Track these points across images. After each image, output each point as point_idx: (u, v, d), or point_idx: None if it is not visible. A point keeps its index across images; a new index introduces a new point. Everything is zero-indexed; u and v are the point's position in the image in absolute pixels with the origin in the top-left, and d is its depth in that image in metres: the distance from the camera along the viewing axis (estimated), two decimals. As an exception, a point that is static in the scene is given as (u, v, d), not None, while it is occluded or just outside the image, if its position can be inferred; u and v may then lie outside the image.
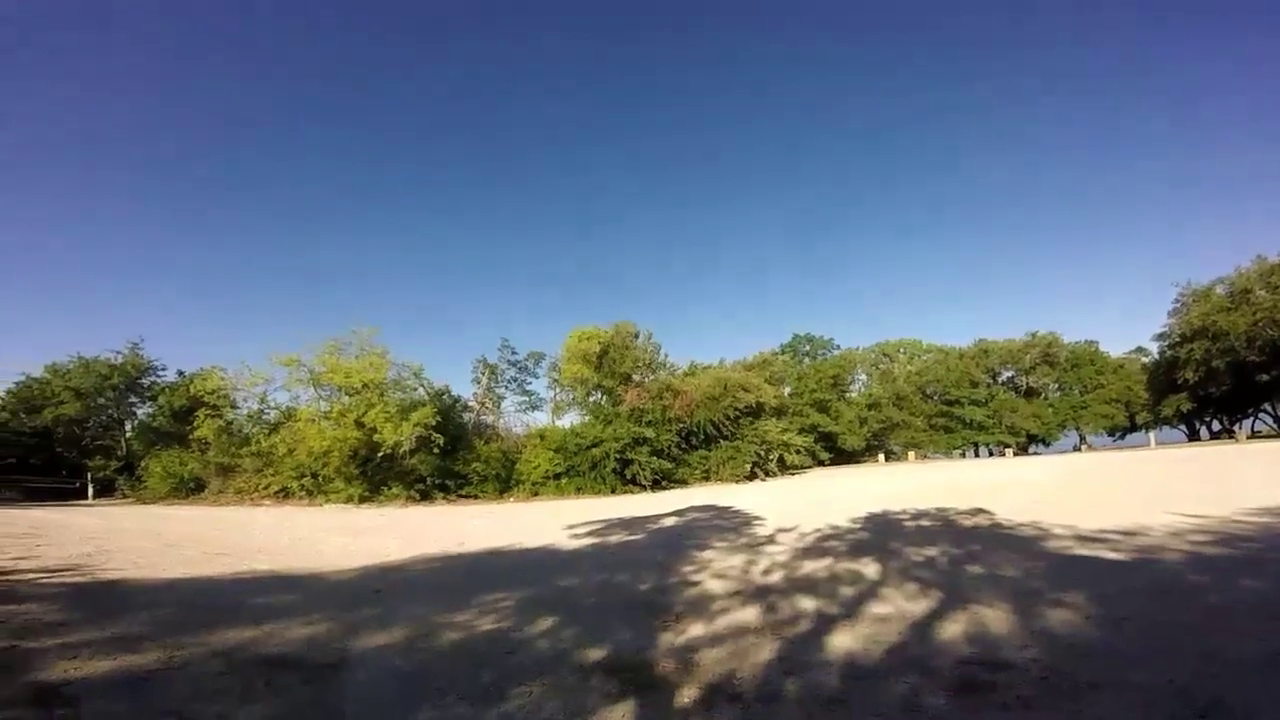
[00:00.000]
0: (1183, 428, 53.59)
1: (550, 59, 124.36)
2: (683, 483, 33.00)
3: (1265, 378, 40.45)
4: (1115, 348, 59.73)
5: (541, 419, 40.25)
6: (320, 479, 30.58)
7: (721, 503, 19.91)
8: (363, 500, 28.60)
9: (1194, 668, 4.09)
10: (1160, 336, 49.43)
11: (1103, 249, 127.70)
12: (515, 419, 39.84)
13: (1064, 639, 4.90)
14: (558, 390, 41.44)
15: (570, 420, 38.68)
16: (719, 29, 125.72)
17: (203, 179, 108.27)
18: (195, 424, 32.80)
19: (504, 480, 31.29)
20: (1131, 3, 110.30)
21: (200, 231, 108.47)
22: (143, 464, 36.94)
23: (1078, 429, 56.30)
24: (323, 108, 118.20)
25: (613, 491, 30.09)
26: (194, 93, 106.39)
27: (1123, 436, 57.44)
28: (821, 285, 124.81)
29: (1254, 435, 46.40)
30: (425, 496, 29.27)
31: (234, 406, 35.01)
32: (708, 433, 34.99)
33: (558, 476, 31.49)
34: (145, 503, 33.09)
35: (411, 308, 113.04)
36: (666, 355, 41.29)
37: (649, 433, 32.19)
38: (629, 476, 31.04)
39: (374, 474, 29.52)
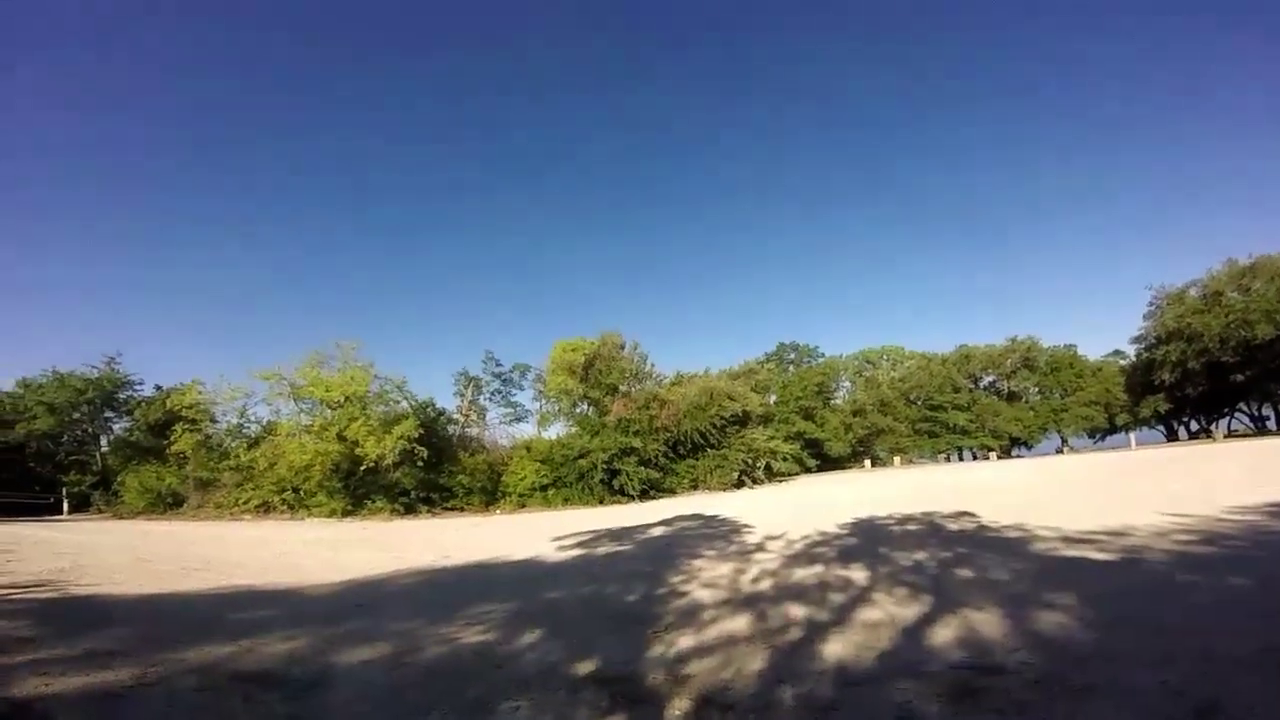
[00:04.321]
0: (1161, 428, 54.67)
1: (545, 67, 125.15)
2: (671, 492, 32.87)
3: (1240, 378, 41.47)
4: (1093, 351, 61.17)
5: (528, 431, 40.01)
6: (302, 493, 30.10)
7: (709, 511, 19.82)
8: (346, 514, 28.15)
9: (1187, 668, 4.04)
10: (1137, 339, 50.90)
11: (1081, 253, 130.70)
12: (501, 431, 39.60)
13: (1056, 642, 4.86)
14: (543, 402, 41.11)
15: (556, 432, 38.39)
16: (702, 28, 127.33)
17: (182, 188, 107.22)
18: (173, 438, 32.14)
19: (490, 492, 31.00)
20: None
21: (181, 243, 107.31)
22: (119, 479, 36.08)
23: (1059, 431, 57.10)
24: (308, 114, 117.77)
25: (600, 502, 29.94)
26: (172, 100, 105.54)
27: (1103, 438, 58.55)
28: (806, 293, 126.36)
29: (1230, 434, 47.24)
30: (410, 510, 28.88)
31: (213, 420, 34.47)
32: (695, 442, 34.86)
33: (544, 488, 31.27)
34: (122, 518, 32.29)
35: (396, 321, 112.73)
36: (653, 365, 40.98)
37: (636, 443, 32.01)
38: (616, 487, 30.90)
39: (357, 488, 29.07)
